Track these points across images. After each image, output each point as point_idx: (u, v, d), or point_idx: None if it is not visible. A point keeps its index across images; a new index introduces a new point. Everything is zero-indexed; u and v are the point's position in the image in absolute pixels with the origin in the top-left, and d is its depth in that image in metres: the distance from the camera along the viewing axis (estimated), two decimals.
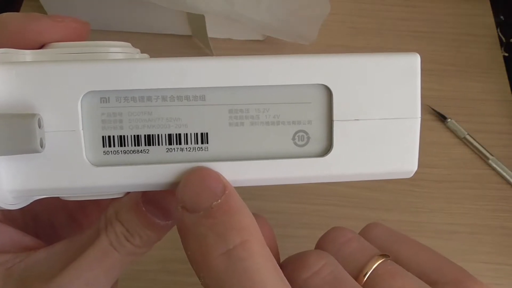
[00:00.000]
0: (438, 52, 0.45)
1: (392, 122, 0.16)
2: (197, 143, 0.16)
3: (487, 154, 0.40)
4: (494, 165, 0.40)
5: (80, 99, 0.15)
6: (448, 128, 0.42)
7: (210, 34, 0.41)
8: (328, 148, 0.17)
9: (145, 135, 0.16)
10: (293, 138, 0.16)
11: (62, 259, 0.18)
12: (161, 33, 0.44)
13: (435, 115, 0.42)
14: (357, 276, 0.17)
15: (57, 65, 0.15)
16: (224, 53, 0.44)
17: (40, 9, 0.43)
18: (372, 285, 0.17)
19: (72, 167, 0.16)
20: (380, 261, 0.17)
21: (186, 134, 0.16)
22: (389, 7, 0.47)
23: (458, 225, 0.38)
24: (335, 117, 0.16)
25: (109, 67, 0.15)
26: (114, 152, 0.16)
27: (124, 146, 0.16)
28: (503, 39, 0.46)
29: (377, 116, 0.16)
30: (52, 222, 0.23)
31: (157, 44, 0.44)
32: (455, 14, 0.47)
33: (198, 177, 0.16)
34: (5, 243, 0.19)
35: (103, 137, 0.16)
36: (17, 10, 0.45)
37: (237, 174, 0.16)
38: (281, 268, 0.17)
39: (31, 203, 0.17)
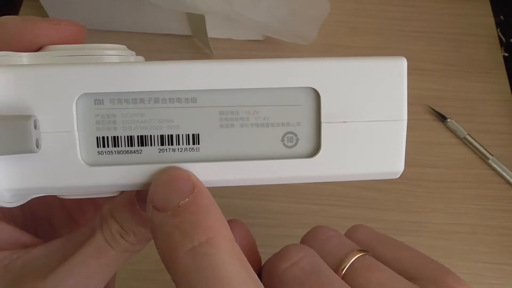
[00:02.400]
0: (438, 52, 0.45)
1: (379, 124, 0.17)
2: (189, 144, 0.16)
3: (487, 154, 0.40)
4: (494, 165, 0.40)
5: (75, 101, 0.16)
6: (448, 128, 0.42)
7: (210, 34, 0.41)
8: (316, 149, 0.17)
9: (138, 136, 0.16)
10: (282, 140, 0.17)
11: (58, 256, 0.18)
12: (161, 33, 0.44)
13: (435, 115, 0.42)
14: (336, 270, 0.17)
15: (52, 68, 0.16)
16: (224, 53, 0.44)
17: (40, 9, 0.43)
18: (349, 279, 0.17)
19: (67, 167, 0.16)
20: (358, 256, 0.17)
21: (178, 135, 0.16)
22: (389, 7, 0.47)
23: (458, 225, 0.38)
24: (323, 119, 0.16)
25: (104, 70, 0.16)
26: (108, 153, 0.16)
27: (118, 146, 0.16)
28: (503, 39, 0.46)
29: (365, 119, 0.16)
30: (51, 220, 0.23)
31: (157, 44, 0.44)
32: (455, 14, 0.47)
33: (167, 176, 0.16)
34: (3, 240, 0.19)
35: (97, 137, 0.16)
36: (17, 10, 0.45)
37: (227, 174, 0.16)
38: (263, 264, 0.17)
39: (29, 201, 0.18)
